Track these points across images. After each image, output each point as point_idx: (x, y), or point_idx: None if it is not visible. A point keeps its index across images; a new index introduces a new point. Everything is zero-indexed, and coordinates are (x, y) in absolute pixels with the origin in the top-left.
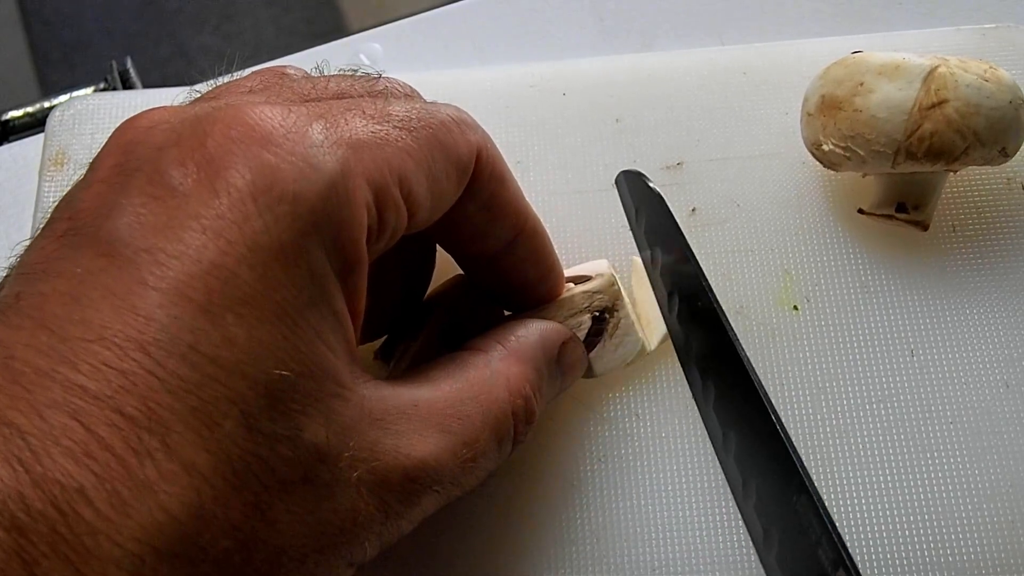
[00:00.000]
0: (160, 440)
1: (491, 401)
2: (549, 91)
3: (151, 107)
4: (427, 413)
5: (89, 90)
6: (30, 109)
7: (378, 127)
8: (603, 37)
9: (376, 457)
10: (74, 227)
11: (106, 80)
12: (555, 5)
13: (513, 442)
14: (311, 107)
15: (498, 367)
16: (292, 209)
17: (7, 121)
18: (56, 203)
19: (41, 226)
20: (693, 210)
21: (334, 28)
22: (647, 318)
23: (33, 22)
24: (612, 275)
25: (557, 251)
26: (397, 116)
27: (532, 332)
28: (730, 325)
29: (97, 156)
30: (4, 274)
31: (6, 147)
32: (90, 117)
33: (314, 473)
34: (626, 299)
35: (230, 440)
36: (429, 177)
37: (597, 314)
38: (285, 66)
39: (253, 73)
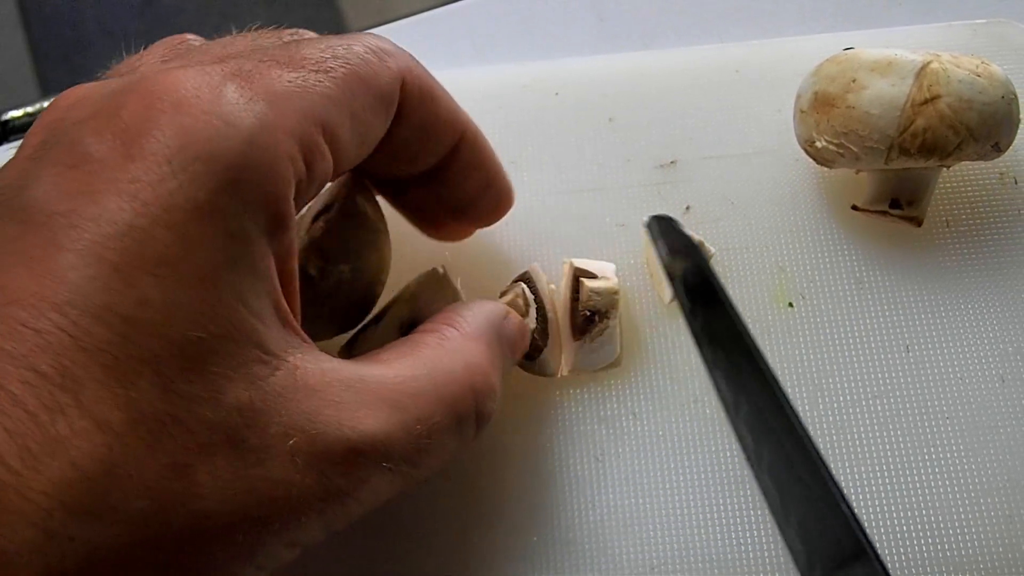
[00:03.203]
0: (73, 397)
1: (447, 377)
2: (542, 91)
3: (73, 88)
4: (376, 388)
5: None
6: (30, 109)
7: (294, 75)
8: (603, 37)
9: (313, 427)
10: None
11: None
12: (555, 5)
13: (477, 421)
14: (225, 65)
15: (452, 345)
16: (207, 168)
17: (7, 121)
18: None
19: None
20: (687, 208)
21: (334, 28)
22: (659, 276)
23: (33, 22)
24: (616, 285)
25: (555, 250)
26: (312, 59)
27: (479, 311)
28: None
29: (23, 139)
30: None
31: (6, 147)
32: None
33: (240, 437)
34: (620, 313)
35: (144, 399)
36: (353, 117)
37: (588, 313)
38: (185, 35)
39: (157, 44)
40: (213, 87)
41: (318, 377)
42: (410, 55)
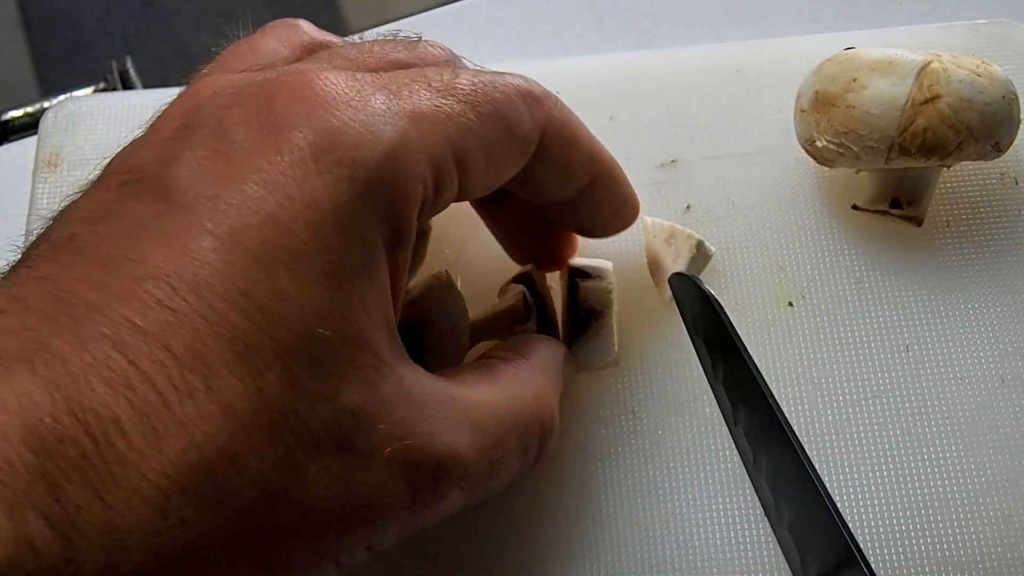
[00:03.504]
0: (203, 380)
1: (521, 407)
2: None
3: (212, 75)
4: (463, 408)
5: (89, 90)
6: (30, 109)
7: (442, 101)
8: (603, 37)
9: (411, 437)
10: (133, 178)
11: (106, 80)
12: (555, 5)
13: (538, 453)
14: (376, 76)
15: (526, 376)
16: (351, 173)
17: (7, 121)
18: (108, 160)
19: (93, 179)
20: (688, 207)
21: (334, 28)
22: (660, 275)
23: (33, 22)
24: (612, 283)
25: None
26: (463, 90)
27: (546, 347)
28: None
29: (158, 119)
30: (47, 223)
31: (5, 147)
32: (84, 118)
33: (348, 439)
34: (615, 311)
35: (271, 391)
36: (487, 154)
37: (584, 313)
38: (300, 21)
39: (271, 29)
40: (363, 94)
41: (418, 389)
42: (556, 99)
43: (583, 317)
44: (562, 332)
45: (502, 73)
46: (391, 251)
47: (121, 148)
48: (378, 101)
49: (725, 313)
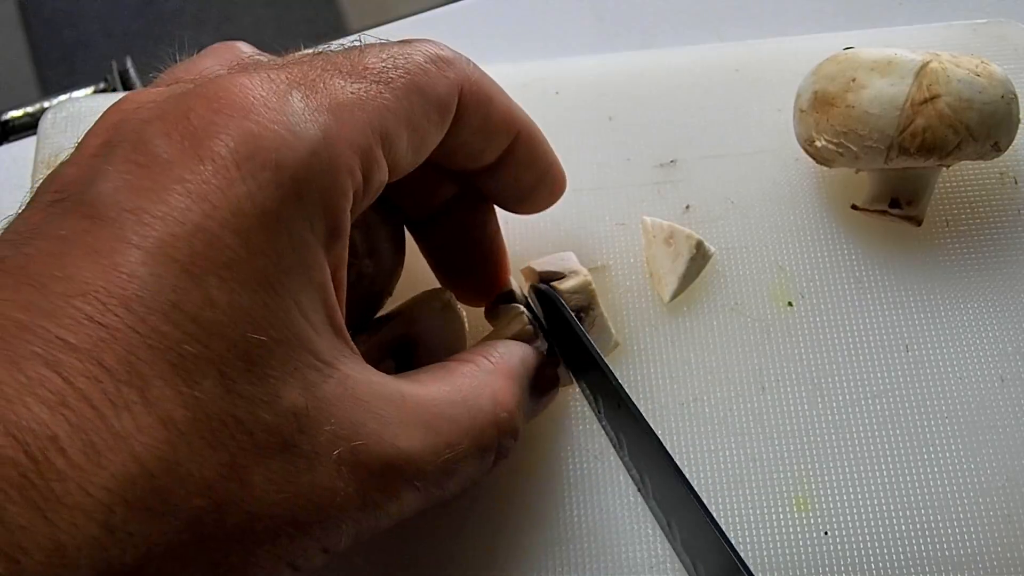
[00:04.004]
0: (139, 393)
1: (477, 409)
2: (542, 90)
3: (136, 92)
4: (414, 407)
5: (89, 90)
6: (30, 109)
7: (356, 86)
8: (603, 37)
9: (358, 438)
10: (59, 197)
11: (106, 80)
12: (555, 5)
13: (496, 455)
14: (289, 72)
15: (485, 379)
16: (274, 176)
17: (7, 121)
18: (39, 182)
19: (26, 202)
20: (687, 207)
21: (334, 28)
22: (659, 275)
23: (33, 22)
24: (587, 275)
25: (552, 249)
26: (373, 69)
27: (514, 351)
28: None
29: (83, 138)
30: None
31: (5, 147)
32: (83, 119)
33: (293, 442)
34: (599, 298)
35: (208, 398)
36: (410, 128)
37: (574, 313)
38: (238, 43)
39: (210, 51)
40: (279, 95)
41: (365, 389)
42: (467, 60)
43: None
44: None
45: (409, 41)
46: (328, 247)
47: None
48: (295, 100)
49: (575, 320)
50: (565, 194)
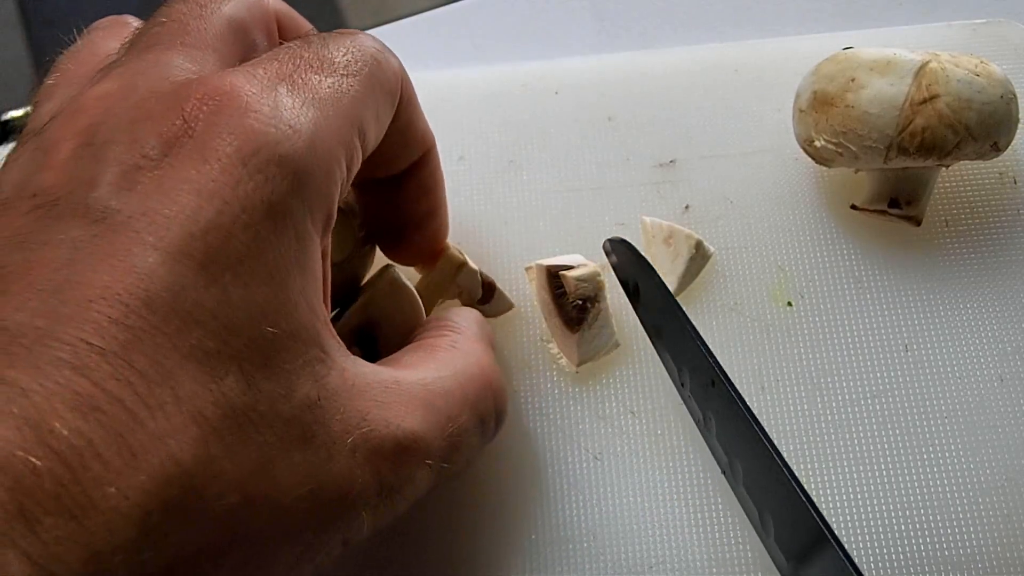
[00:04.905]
0: (171, 393)
1: (467, 379)
2: (541, 90)
3: (88, 89)
4: (409, 389)
5: None
6: (30, 109)
7: (331, 80)
8: (602, 37)
9: (367, 425)
10: (46, 202)
11: None
12: (554, 5)
13: (496, 419)
14: (266, 68)
15: (465, 348)
16: (279, 171)
17: (7, 121)
18: None
19: None
20: (686, 207)
21: (334, 28)
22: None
23: (33, 22)
24: (597, 267)
25: (552, 249)
26: (340, 62)
27: (469, 316)
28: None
29: (41, 142)
30: None
31: (5, 147)
32: None
33: (311, 433)
34: (606, 292)
35: (232, 394)
36: (375, 117)
37: (580, 302)
38: (126, 17)
39: (98, 29)
40: (268, 92)
41: (360, 379)
42: (397, 57)
43: (579, 307)
44: (559, 331)
45: (352, 32)
46: (323, 238)
47: None
48: (283, 95)
49: (658, 276)
50: (565, 194)
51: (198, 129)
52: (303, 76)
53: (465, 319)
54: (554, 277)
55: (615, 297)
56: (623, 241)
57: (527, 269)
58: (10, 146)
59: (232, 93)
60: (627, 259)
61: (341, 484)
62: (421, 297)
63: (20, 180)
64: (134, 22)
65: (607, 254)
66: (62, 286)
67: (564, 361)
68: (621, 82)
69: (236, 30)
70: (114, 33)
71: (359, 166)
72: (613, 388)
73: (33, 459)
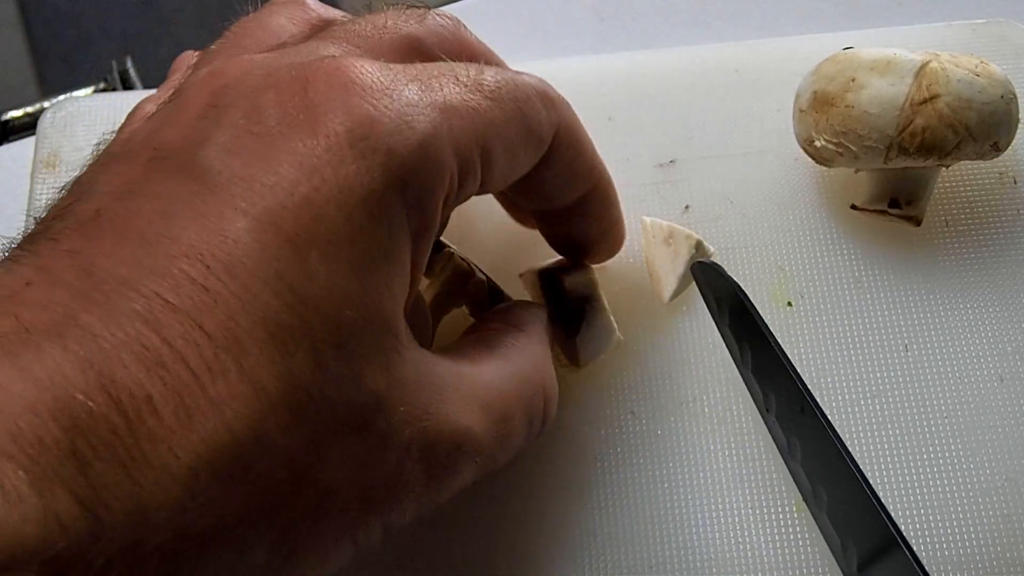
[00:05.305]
0: (235, 360)
1: (524, 380)
2: None
3: (233, 56)
4: (471, 386)
5: (89, 90)
6: (29, 109)
7: (470, 95)
8: (603, 37)
9: (428, 418)
10: (161, 155)
11: (106, 80)
12: (555, 5)
13: (543, 421)
14: (406, 68)
15: (524, 348)
16: (384, 160)
17: (7, 121)
18: (112, 139)
19: (103, 156)
20: (686, 207)
21: None
22: (658, 275)
23: (33, 22)
24: (590, 267)
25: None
26: (488, 86)
27: (536, 313)
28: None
29: (180, 98)
30: (63, 196)
31: (5, 147)
32: (82, 119)
33: (371, 421)
34: (601, 290)
35: (300, 372)
36: (508, 150)
37: (576, 305)
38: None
39: (280, 5)
40: (396, 84)
41: (428, 373)
42: (568, 104)
43: (576, 308)
44: (558, 334)
45: (520, 73)
46: (416, 240)
47: (124, 126)
48: (411, 92)
49: (748, 298)
50: None
51: (316, 104)
52: (441, 82)
53: (530, 318)
54: (549, 280)
55: (615, 296)
56: (714, 265)
57: (520, 276)
58: (9, 146)
59: (358, 75)
60: (717, 282)
61: (391, 473)
62: (430, 308)
63: (149, 133)
64: (312, 3)
65: (694, 276)
66: (151, 239)
67: (565, 362)
68: (621, 82)
69: (414, 48)
70: (287, 11)
71: (476, 189)
72: (613, 389)
73: (91, 403)
